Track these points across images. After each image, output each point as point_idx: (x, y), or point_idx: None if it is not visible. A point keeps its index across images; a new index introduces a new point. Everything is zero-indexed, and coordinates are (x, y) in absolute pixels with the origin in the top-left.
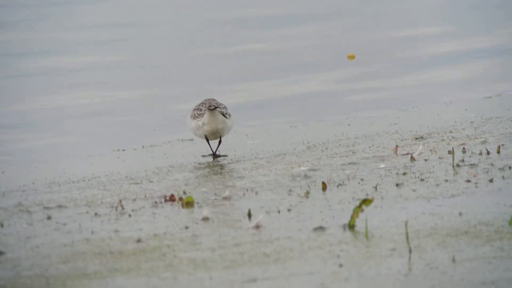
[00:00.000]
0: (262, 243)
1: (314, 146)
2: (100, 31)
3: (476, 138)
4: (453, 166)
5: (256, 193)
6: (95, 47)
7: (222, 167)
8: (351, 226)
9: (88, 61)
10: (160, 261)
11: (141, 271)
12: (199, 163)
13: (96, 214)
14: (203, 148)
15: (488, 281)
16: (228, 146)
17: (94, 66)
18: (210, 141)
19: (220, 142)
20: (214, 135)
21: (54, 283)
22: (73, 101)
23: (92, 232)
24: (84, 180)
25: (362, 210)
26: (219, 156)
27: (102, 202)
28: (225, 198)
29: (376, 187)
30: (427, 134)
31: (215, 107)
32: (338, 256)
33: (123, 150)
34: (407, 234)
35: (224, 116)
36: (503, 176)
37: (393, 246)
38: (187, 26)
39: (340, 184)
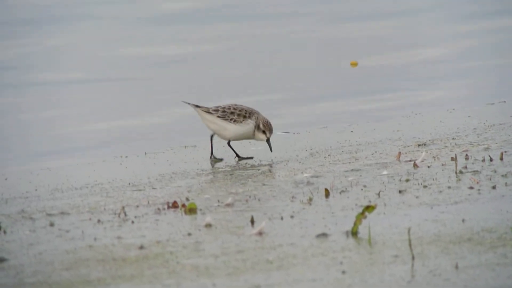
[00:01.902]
0: (265, 250)
1: (317, 152)
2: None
3: (479, 145)
4: (456, 172)
5: (259, 199)
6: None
7: (225, 173)
8: (354, 233)
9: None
10: (163, 268)
11: (144, 278)
12: (202, 170)
13: (99, 221)
14: (205, 154)
15: (491, 287)
16: (231, 153)
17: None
18: (213, 142)
19: (229, 146)
20: (219, 135)
21: None
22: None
23: (95, 239)
24: (87, 187)
25: (365, 217)
26: (243, 158)
27: (105, 209)
28: (228, 205)
29: (379, 194)
30: (430, 141)
31: (197, 106)
32: (341, 263)
33: (126, 156)
34: (410, 241)
35: (216, 116)
36: (506, 183)
37: (396, 253)
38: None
39: (343, 191)
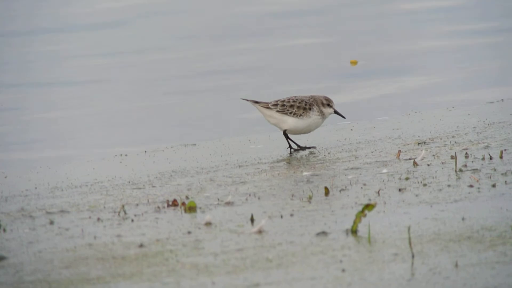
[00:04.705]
0: (264, 248)
1: (317, 151)
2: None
3: (479, 143)
4: (455, 171)
5: (259, 198)
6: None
7: (225, 172)
8: (353, 231)
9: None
10: (162, 266)
11: (144, 276)
12: (202, 168)
13: (98, 219)
14: (205, 153)
15: (491, 286)
16: (230, 151)
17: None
18: (289, 136)
19: (285, 136)
20: (281, 129)
21: None
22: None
23: (95, 237)
24: (86, 185)
25: (365, 215)
26: (302, 149)
27: (104, 207)
28: (227, 203)
29: (378, 192)
30: (429, 139)
31: (255, 102)
32: (341, 261)
33: (126, 155)
34: (409, 239)
35: (274, 110)
36: (505, 181)
37: (395, 251)
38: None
39: (342, 189)
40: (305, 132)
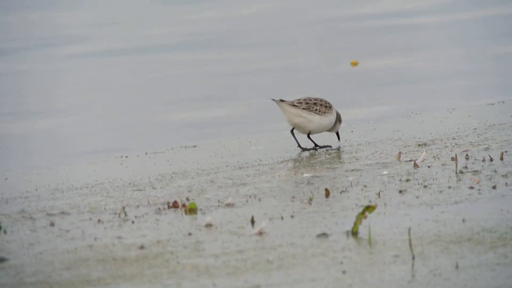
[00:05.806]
0: (265, 250)
1: (318, 152)
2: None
3: (479, 144)
4: (456, 172)
5: (259, 199)
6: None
7: (225, 173)
8: (354, 233)
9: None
10: (163, 268)
11: (144, 277)
12: (202, 170)
13: (99, 220)
14: (206, 154)
15: (491, 287)
16: (231, 153)
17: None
18: (295, 134)
19: (309, 138)
20: (299, 129)
21: None
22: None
23: (95, 239)
24: (87, 187)
25: (365, 217)
26: (320, 147)
27: (105, 209)
28: (228, 205)
29: (379, 194)
30: (430, 140)
31: (281, 100)
32: (342, 263)
33: (126, 156)
34: (410, 240)
35: (301, 109)
36: (506, 183)
37: (396, 253)
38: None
39: (343, 191)
40: (326, 130)
